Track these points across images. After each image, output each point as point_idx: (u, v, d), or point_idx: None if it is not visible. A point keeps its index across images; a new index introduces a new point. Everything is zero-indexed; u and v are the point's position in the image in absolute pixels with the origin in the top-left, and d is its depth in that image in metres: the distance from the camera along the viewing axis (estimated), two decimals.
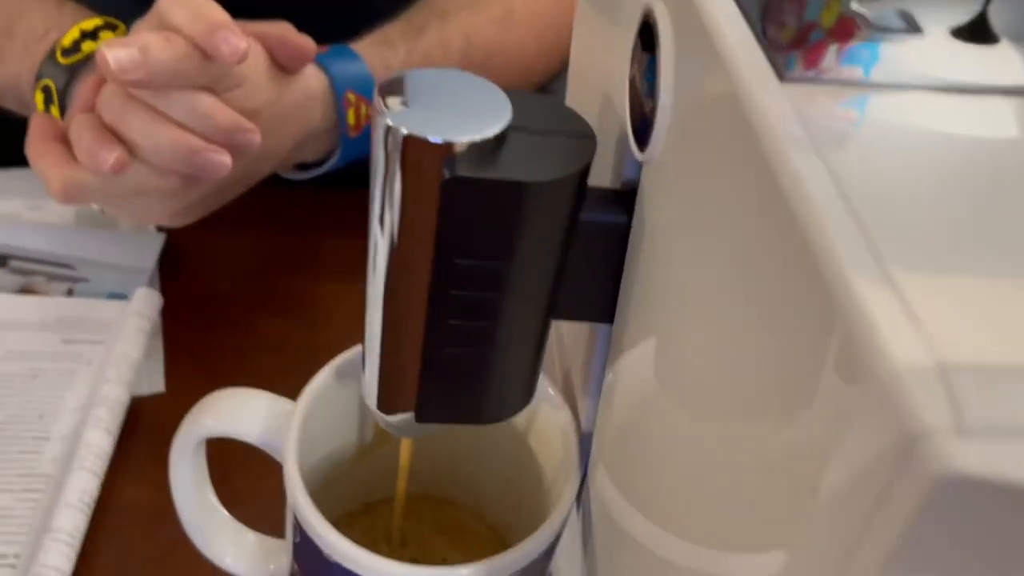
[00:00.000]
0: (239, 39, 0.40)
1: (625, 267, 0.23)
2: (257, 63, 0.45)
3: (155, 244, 0.55)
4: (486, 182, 0.20)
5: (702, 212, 0.18)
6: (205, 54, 0.41)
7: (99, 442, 0.43)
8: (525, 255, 0.21)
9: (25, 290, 0.51)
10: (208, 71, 0.42)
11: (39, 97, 0.49)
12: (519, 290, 0.22)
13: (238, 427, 0.29)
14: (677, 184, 0.19)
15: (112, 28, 0.49)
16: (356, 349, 0.31)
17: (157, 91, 0.41)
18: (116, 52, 0.39)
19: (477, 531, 0.36)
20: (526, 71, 0.57)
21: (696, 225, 0.18)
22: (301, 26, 0.47)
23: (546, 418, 0.31)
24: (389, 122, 0.20)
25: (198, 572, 0.41)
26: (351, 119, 0.50)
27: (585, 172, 0.21)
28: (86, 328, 0.49)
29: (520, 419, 0.32)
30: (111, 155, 0.40)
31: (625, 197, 0.22)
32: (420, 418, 0.25)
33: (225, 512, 0.34)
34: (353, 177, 0.56)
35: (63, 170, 0.42)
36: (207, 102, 0.42)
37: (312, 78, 0.48)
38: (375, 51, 0.51)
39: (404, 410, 0.25)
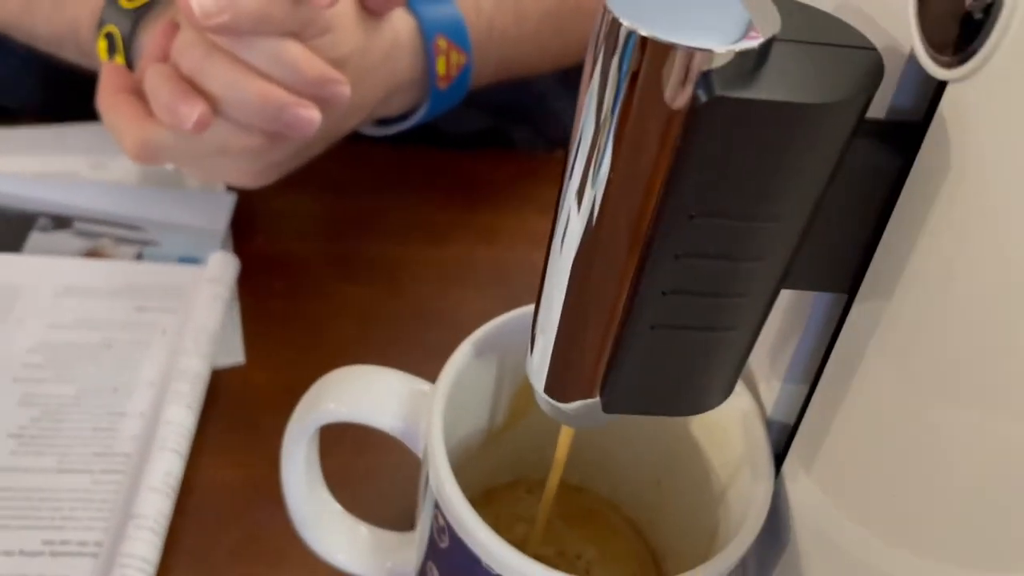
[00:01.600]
0: None
1: (895, 222, 0.17)
2: (344, 6, 0.39)
3: (226, 205, 0.50)
4: (756, 104, 0.14)
5: None
6: None
7: (181, 419, 0.38)
8: (781, 206, 0.16)
9: (91, 253, 0.46)
10: (297, 15, 0.36)
11: (102, 45, 0.44)
12: (762, 253, 0.17)
13: (366, 412, 0.24)
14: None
15: None
16: (494, 322, 0.26)
17: (240, 39, 0.36)
18: None
19: (613, 523, 0.31)
20: None
21: None
22: None
23: (723, 416, 0.26)
24: (623, 21, 0.14)
25: (290, 556, 0.37)
26: (441, 68, 0.45)
27: (872, 94, 0.15)
28: (159, 295, 0.44)
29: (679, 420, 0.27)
30: (193, 111, 0.35)
31: (900, 131, 0.17)
32: (608, 408, 0.20)
33: (337, 505, 0.30)
34: (421, 135, 0.51)
35: (138, 126, 0.37)
36: (294, 51, 0.37)
37: (400, 22, 0.43)
38: None
39: (581, 397, 0.20)
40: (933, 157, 0.16)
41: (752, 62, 0.15)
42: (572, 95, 0.58)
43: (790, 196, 0.16)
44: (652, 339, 0.18)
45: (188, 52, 0.36)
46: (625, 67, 0.15)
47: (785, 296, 0.23)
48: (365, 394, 0.24)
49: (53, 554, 0.35)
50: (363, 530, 0.30)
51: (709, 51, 0.14)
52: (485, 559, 0.21)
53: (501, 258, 0.53)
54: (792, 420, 0.24)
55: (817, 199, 0.16)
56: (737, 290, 0.17)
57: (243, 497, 0.39)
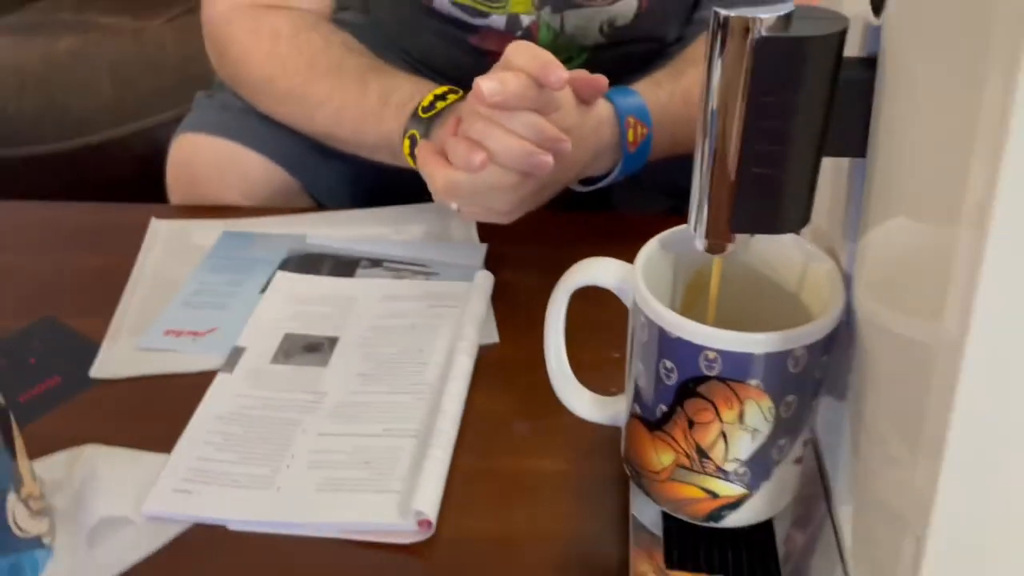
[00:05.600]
0: (562, 71, 0.56)
1: (875, 109, 0.33)
2: (568, 95, 0.60)
3: (481, 250, 0.70)
4: (785, 39, 0.31)
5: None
6: (539, 84, 0.56)
7: (465, 361, 0.57)
8: (808, 94, 0.32)
9: None
10: (539, 97, 0.57)
11: (406, 144, 0.66)
12: (804, 122, 0.33)
13: (599, 279, 0.41)
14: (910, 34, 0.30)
15: (454, 92, 0.66)
16: (667, 231, 0.43)
17: (506, 112, 0.57)
18: (487, 83, 0.55)
19: None
20: None
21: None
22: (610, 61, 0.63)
23: (814, 273, 0.41)
24: (722, 12, 0.32)
25: (541, 461, 0.53)
26: (631, 137, 0.64)
27: (845, 32, 0.32)
28: (444, 299, 0.64)
29: (791, 281, 0.42)
30: (478, 157, 0.56)
31: (869, 61, 0.33)
32: (734, 228, 0.36)
33: (571, 374, 0.46)
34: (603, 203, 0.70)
35: (444, 171, 0.58)
36: (538, 119, 0.57)
37: (603, 108, 0.63)
38: (647, 88, 0.65)
39: (722, 228, 0.36)
40: (882, 70, 0.32)
41: (783, 23, 0.32)
42: None
43: (810, 88, 0.32)
44: (754, 177, 0.34)
45: (474, 124, 0.57)
46: (725, 29, 0.32)
47: (843, 193, 0.38)
48: (598, 270, 0.42)
49: (388, 435, 0.53)
50: (587, 394, 0.46)
51: (759, 17, 0.32)
52: (669, 328, 0.37)
53: None
54: (851, 269, 0.39)
55: (827, 94, 0.33)
56: (793, 140, 0.33)
57: (502, 422, 0.56)
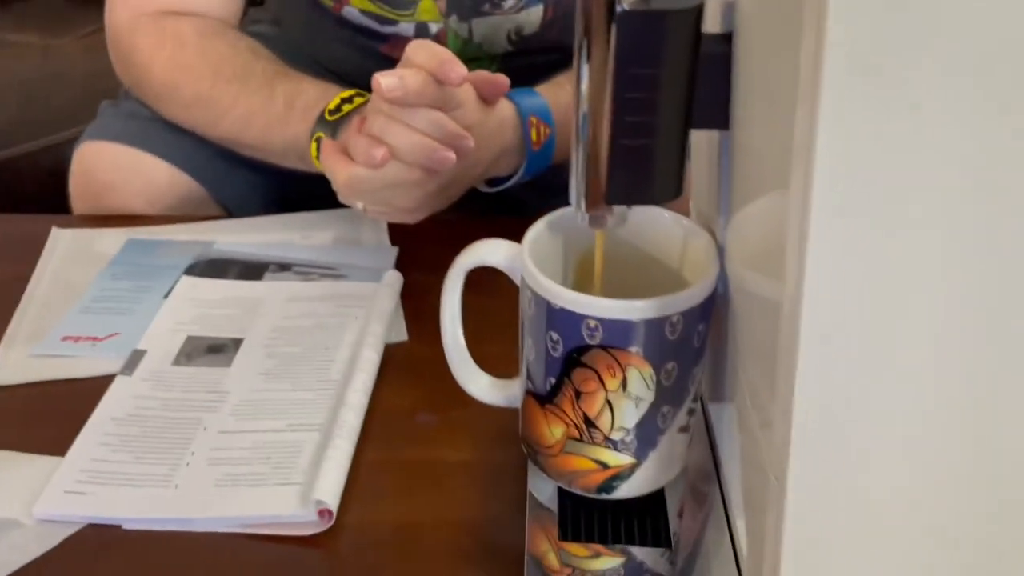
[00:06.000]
0: (461, 68, 0.57)
1: (735, 84, 0.35)
2: (469, 94, 0.61)
3: (392, 253, 0.70)
4: (646, 12, 0.33)
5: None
6: (439, 81, 0.57)
7: (371, 355, 0.57)
8: (671, 66, 0.34)
9: None
10: (439, 93, 0.58)
11: (313, 147, 0.67)
12: (668, 94, 0.35)
13: (489, 258, 0.42)
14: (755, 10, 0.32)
15: (361, 96, 0.67)
16: (556, 212, 0.44)
17: (406, 108, 0.57)
18: (386, 80, 0.56)
19: None
20: None
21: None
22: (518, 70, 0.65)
23: (694, 248, 0.43)
24: None
25: (445, 451, 0.53)
26: (534, 136, 0.65)
27: (702, 7, 0.34)
28: (352, 299, 0.64)
29: (674, 258, 0.44)
30: (379, 152, 0.57)
31: (727, 37, 0.35)
32: (609, 200, 0.37)
33: (468, 355, 0.47)
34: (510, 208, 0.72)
35: (346, 168, 0.58)
36: (439, 116, 0.58)
37: (506, 107, 0.64)
38: (549, 90, 0.67)
39: (599, 199, 0.38)
40: (738, 45, 0.34)
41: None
42: None
43: (673, 60, 0.34)
44: (627, 148, 0.36)
45: (375, 121, 0.58)
46: (589, 5, 0.34)
47: (715, 173, 0.40)
48: (489, 249, 0.43)
49: (291, 430, 0.53)
50: (484, 376, 0.47)
51: None
52: (553, 300, 0.38)
53: None
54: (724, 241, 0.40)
55: (689, 67, 0.34)
56: (661, 112, 0.35)
57: (408, 415, 0.56)
